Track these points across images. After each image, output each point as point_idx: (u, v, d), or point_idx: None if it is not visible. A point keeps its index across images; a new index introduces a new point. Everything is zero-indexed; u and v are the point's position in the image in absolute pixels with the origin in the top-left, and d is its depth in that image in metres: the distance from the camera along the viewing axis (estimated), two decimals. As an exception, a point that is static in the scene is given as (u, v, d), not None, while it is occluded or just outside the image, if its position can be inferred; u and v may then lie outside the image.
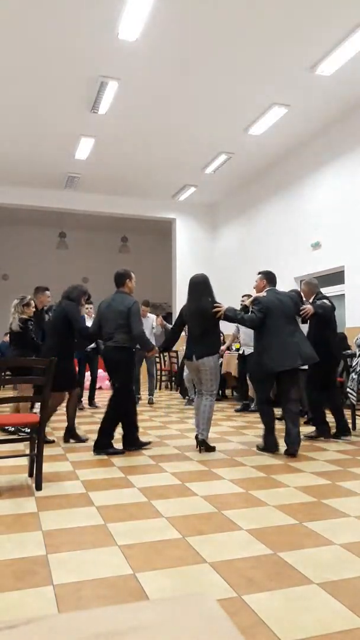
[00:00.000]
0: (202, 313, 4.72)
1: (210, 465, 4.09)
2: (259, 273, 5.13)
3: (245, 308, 5.72)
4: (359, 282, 8.43)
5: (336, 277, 9.17)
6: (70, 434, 5.18)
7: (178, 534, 2.60)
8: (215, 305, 4.72)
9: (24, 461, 4.08)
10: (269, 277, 5.02)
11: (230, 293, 9.80)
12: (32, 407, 5.75)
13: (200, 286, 4.84)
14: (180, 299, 12.93)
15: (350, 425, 5.83)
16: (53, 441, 5.10)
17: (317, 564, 2.24)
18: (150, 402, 8.56)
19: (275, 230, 10.92)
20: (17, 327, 5.60)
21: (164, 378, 11.63)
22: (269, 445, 4.65)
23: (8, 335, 6.04)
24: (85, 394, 8.14)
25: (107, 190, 12.50)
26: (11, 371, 6.22)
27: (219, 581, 2.08)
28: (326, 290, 9.56)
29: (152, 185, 12.24)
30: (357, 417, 5.78)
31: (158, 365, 11.34)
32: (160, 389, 11.51)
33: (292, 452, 4.45)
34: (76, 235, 16.89)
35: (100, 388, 11.35)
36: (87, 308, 7.38)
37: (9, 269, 16.52)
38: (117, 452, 4.59)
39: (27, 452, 3.87)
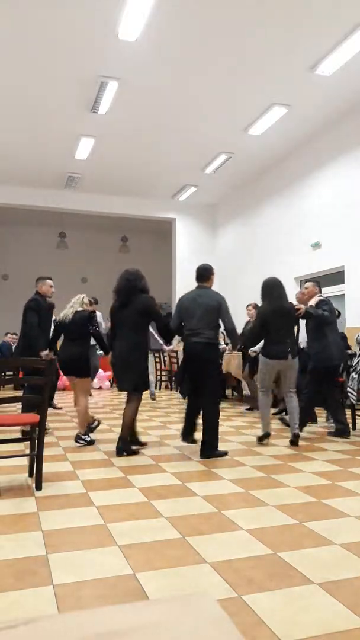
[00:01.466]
0: (287, 313, 4.99)
1: (210, 465, 4.09)
2: (311, 281, 5.84)
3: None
4: (359, 282, 8.43)
5: (336, 277, 9.17)
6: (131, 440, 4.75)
7: (178, 534, 2.59)
8: (295, 305, 5.12)
9: (24, 461, 4.08)
10: (319, 285, 5.79)
11: (231, 293, 9.78)
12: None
13: (278, 288, 5.10)
14: (180, 299, 12.91)
15: (350, 425, 5.84)
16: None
17: (317, 564, 2.24)
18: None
19: (276, 230, 10.93)
20: (76, 317, 5.12)
21: (164, 378, 11.62)
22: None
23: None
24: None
25: (107, 190, 12.50)
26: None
27: (219, 581, 2.08)
28: (326, 290, 9.58)
29: (152, 185, 12.25)
30: (357, 417, 5.77)
31: (158, 365, 11.34)
32: (160, 389, 11.50)
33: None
34: (76, 235, 16.89)
35: (100, 388, 11.36)
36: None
37: (9, 269, 16.51)
38: (222, 454, 4.43)
39: (27, 452, 3.87)
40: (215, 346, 4.58)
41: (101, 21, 6.11)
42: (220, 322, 4.62)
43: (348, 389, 5.81)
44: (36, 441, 3.49)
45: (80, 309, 5.25)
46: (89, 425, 5.16)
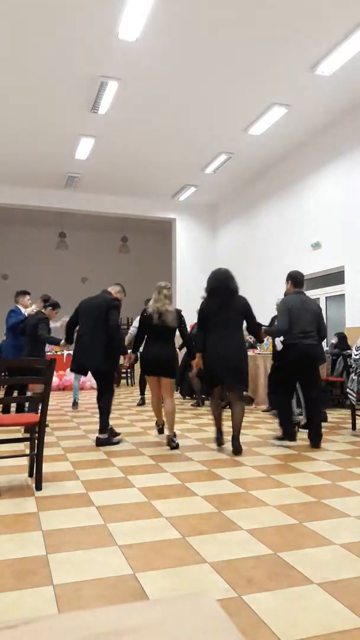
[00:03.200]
0: None
1: (210, 465, 4.09)
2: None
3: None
4: (359, 282, 8.43)
5: (336, 277, 9.17)
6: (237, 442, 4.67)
7: (178, 534, 2.59)
8: None
9: (24, 461, 4.08)
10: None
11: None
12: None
13: None
14: (180, 299, 12.93)
15: (350, 425, 5.84)
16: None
17: (317, 564, 2.24)
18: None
19: (275, 230, 10.93)
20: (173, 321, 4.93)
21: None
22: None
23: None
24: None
25: (107, 190, 12.51)
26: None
27: (219, 581, 2.08)
28: (326, 291, 9.61)
29: (152, 185, 12.25)
30: (357, 417, 5.77)
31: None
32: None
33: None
34: (76, 235, 16.90)
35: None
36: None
37: (9, 269, 16.52)
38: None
39: (27, 452, 3.87)
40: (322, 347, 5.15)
41: (101, 21, 6.11)
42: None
43: (348, 390, 5.81)
44: (36, 441, 3.49)
45: (171, 308, 4.97)
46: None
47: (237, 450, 4.52)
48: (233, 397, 4.76)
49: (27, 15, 6.03)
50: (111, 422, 6.41)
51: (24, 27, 6.25)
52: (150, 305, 4.97)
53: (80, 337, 5.11)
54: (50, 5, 5.85)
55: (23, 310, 6.70)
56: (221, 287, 4.73)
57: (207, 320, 4.72)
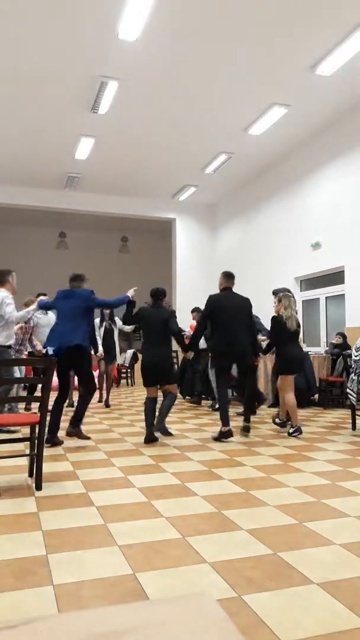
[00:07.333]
0: None
1: (210, 465, 4.09)
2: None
3: None
4: (359, 282, 8.43)
5: (336, 277, 9.17)
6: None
7: (178, 534, 2.59)
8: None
9: (24, 461, 4.08)
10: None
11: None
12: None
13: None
14: (180, 299, 12.94)
15: (350, 425, 5.84)
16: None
17: (317, 564, 2.24)
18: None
19: (275, 230, 10.93)
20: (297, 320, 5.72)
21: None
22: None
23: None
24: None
25: (107, 190, 12.50)
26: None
27: (219, 581, 2.08)
28: (326, 291, 9.60)
29: (152, 185, 12.25)
30: (357, 417, 5.77)
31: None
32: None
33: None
34: (76, 235, 16.89)
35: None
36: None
37: (9, 268, 16.52)
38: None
39: (27, 452, 3.87)
40: None
41: (101, 21, 6.11)
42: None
43: (348, 390, 5.81)
44: (36, 441, 3.49)
45: (295, 314, 5.70)
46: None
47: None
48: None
49: (27, 16, 6.03)
50: (112, 422, 6.41)
51: (24, 27, 6.25)
52: (282, 312, 5.66)
53: (229, 331, 5.30)
54: (50, 5, 5.85)
55: None
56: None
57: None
